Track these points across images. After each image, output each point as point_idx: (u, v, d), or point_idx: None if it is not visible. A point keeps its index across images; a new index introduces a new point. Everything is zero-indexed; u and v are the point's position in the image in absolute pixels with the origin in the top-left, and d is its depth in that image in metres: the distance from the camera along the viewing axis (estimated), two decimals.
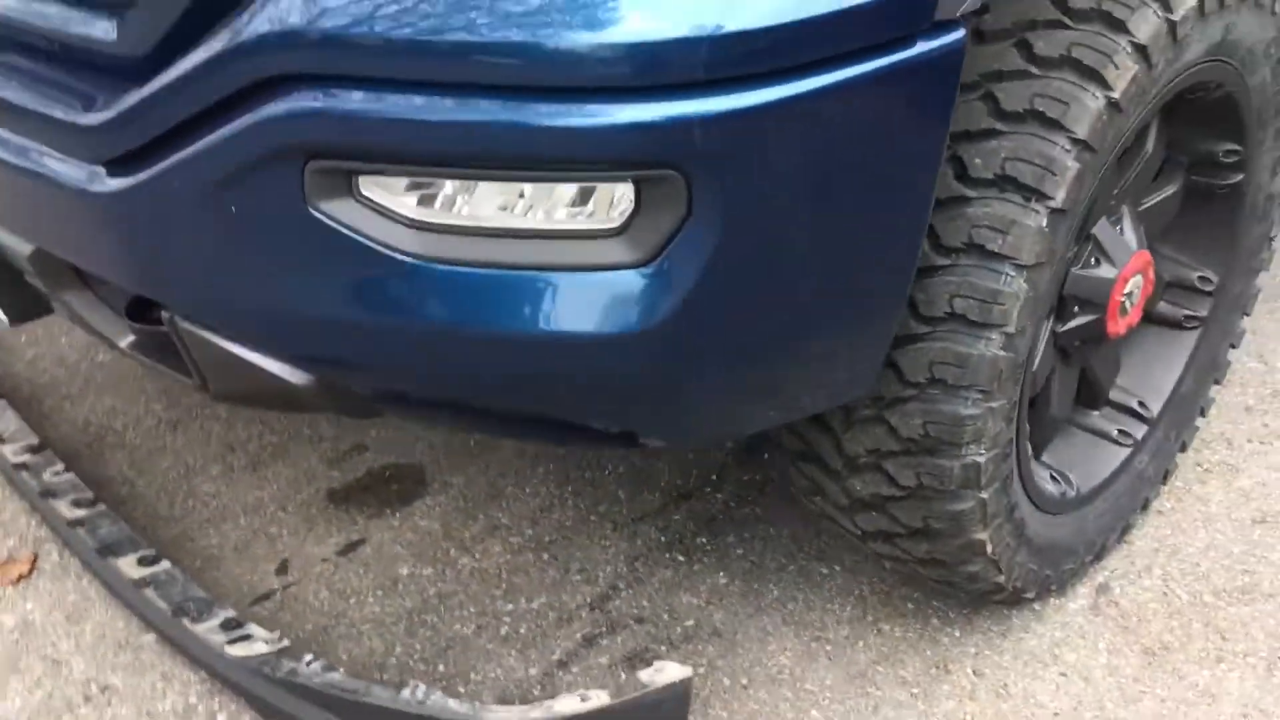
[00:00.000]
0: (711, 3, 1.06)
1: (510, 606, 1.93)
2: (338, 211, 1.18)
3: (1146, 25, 1.39)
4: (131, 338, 1.49)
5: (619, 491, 2.14)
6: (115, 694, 1.80)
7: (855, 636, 1.85)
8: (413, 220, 1.18)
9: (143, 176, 1.25)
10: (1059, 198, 1.34)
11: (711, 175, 1.10)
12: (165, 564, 1.86)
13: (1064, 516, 1.77)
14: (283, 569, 2.02)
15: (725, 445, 2.20)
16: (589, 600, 1.93)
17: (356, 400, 1.37)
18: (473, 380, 1.28)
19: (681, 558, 2.01)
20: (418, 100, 1.10)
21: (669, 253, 1.13)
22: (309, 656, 1.65)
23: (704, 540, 2.03)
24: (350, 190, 1.18)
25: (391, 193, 1.18)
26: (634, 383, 1.24)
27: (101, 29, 1.28)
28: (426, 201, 1.18)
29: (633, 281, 1.15)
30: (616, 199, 1.13)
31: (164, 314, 1.36)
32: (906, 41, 1.15)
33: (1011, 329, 1.38)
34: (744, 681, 1.79)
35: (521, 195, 1.15)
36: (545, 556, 2.02)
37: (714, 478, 2.16)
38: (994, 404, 1.44)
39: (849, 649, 1.83)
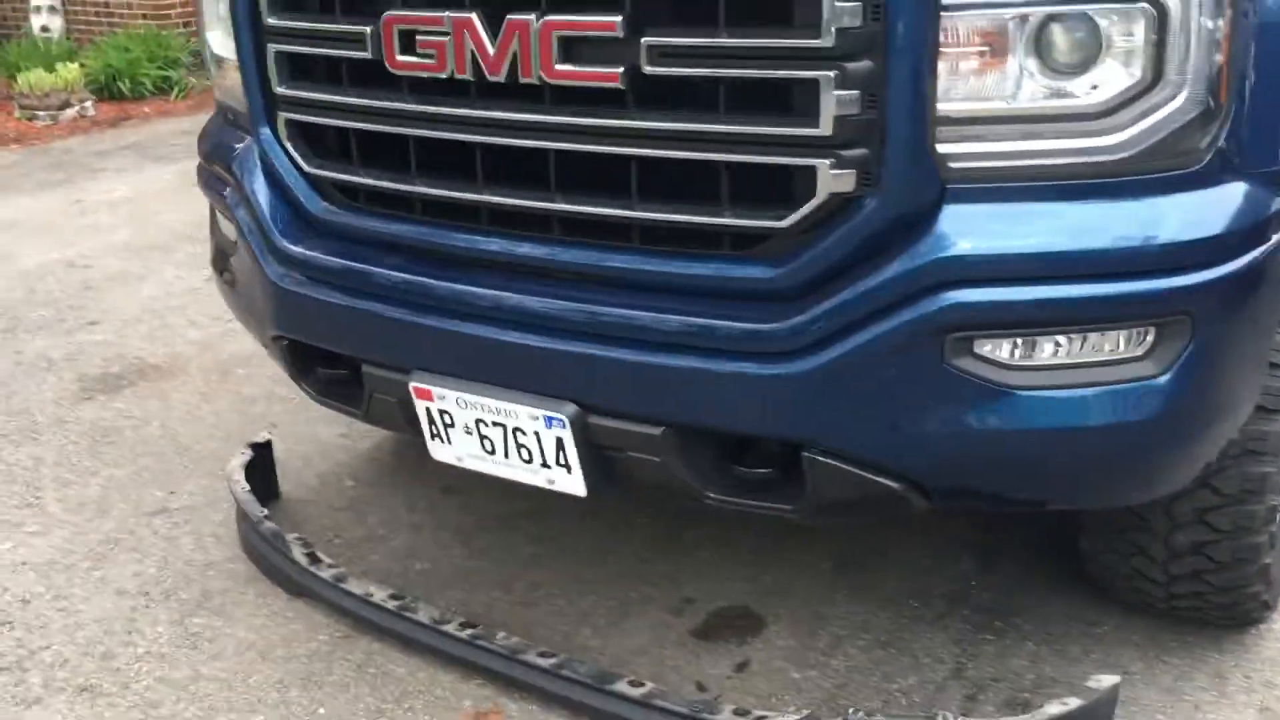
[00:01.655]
0: (1199, 220, 1.86)
1: (894, 685, 2.53)
2: (961, 364, 1.89)
3: None
4: (725, 488, 2.09)
5: (911, 601, 2.80)
6: None
7: (1148, 666, 2.55)
8: (1012, 365, 1.89)
9: (821, 360, 1.91)
10: None
11: (1204, 315, 1.88)
12: (650, 684, 2.38)
13: None
14: (700, 688, 2.55)
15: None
16: (948, 674, 2.56)
17: (948, 500, 2.02)
18: (1033, 469, 1.98)
19: (991, 636, 2.67)
20: (1043, 290, 1.84)
21: (1177, 366, 1.89)
22: None
23: (999, 622, 2.71)
24: (970, 350, 1.89)
25: (996, 347, 1.89)
26: (1145, 457, 1.96)
27: (757, 271, 1.96)
28: (1022, 350, 1.90)
29: (1155, 386, 1.89)
30: (1146, 336, 1.88)
31: (805, 454, 1.99)
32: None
33: None
34: None
35: (1084, 339, 1.89)
36: (892, 650, 2.64)
37: (973, 582, 2.85)
38: None
39: (1153, 672, 2.52)
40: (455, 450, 2.32)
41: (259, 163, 2.52)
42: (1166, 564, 2.38)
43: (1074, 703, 2.14)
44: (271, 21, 2.37)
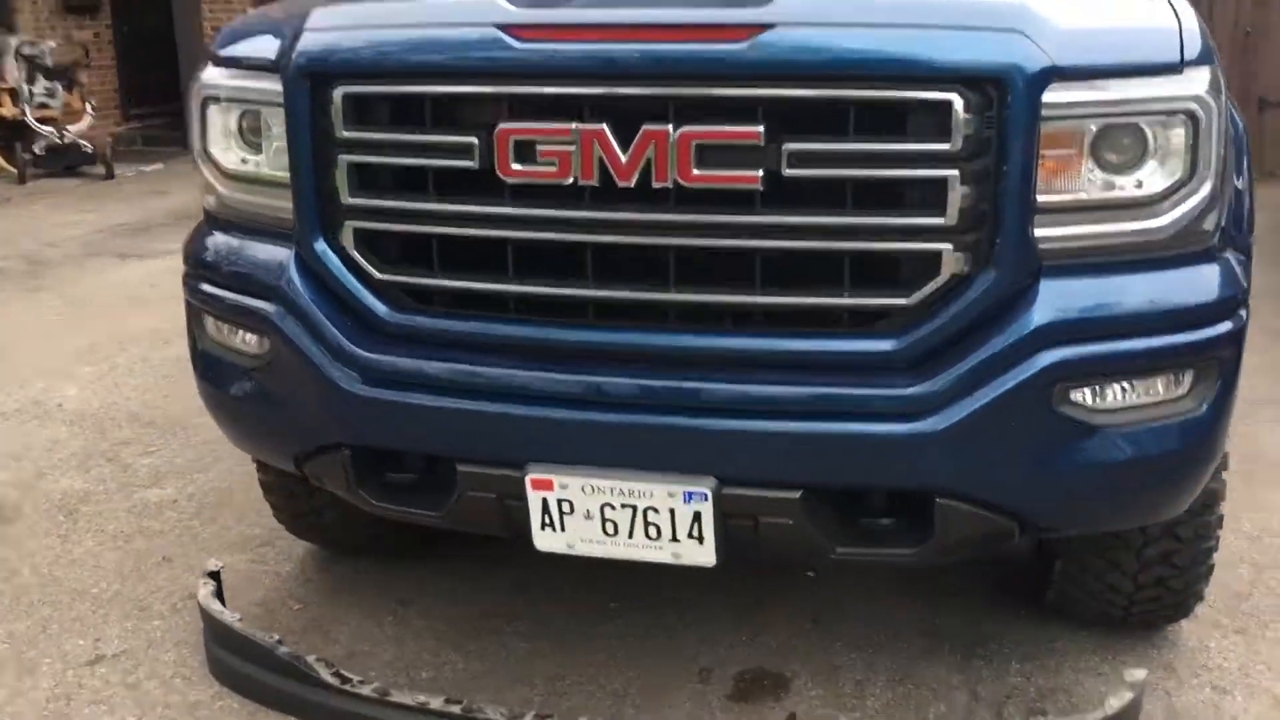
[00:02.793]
0: (1220, 284, 2.35)
1: (930, 713, 2.83)
2: (1062, 410, 2.26)
3: None
4: (852, 541, 2.33)
5: (897, 642, 3.12)
6: None
7: (1112, 669, 3.00)
8: (1097, 409, 2.28)
9: (952, 418, 2.21)
10: None
11: (1224, 358, 2.36)
12: None
13: None
14: None
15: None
16: (969, 697, 2.89)
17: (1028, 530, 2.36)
18: (1111, 495, 2.36)
19: (979, 662, 3.04)
20: (1116, 344, 2.25)
21: (1210, 401, 2.35)
22: None
23: (980, 649, 3.08)
24: (1068, 398, 2.26)
25: (1084, 394, 2.28)
26: (1186, 477, 2.40)
27: (881, 344, 2.25)
28: (1102, 396, 2.29)
29: (1196, 418, 2.35)
30: (1186, 378, 2.34)
31: (938, 501, 2.27)
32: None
33: None
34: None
35: (1147, 383, 2.32)
36: (910, 686, 2.94)
37: (937, 621, 3.22)
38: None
39: (1117, 672, 2.98)
40: (567, 538, 2.40)
41: (307, 274, 2.51)
42: (1137, 575, 2.85)
43: (1127, 695, 2.53)
44: (346, 135, 2.40)
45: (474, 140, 2.31)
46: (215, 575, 3.10)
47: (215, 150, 2.65)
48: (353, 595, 3.37)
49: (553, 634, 3.16)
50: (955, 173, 2.16)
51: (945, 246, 2.20)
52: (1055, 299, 2.24)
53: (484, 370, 2.39)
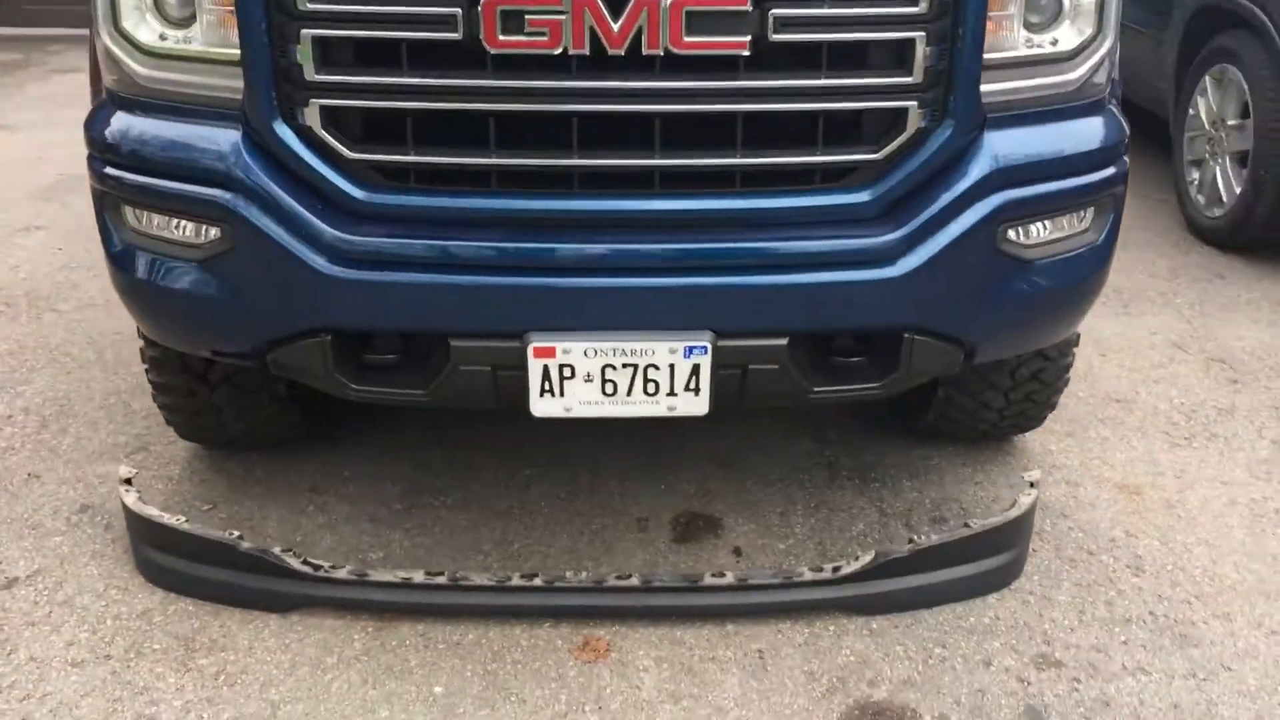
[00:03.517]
0: (1115, 129, 2.69)
1: (854, 531, 3.14)
2: (1004, 246, 2.55)
3: None
4: (828, 380, 2.55)
5: (800, 476, 3.42)
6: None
7: (987, 476, 3.43)
8: (1027, 244, 2.59)
9: (919, 260, 2.45)
10: None
11: (1117, 195, 2.71)
12: (729, 572, 2.76)
13: None
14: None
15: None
16: (877, 515, 3.23)
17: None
18: (1035, 321, 2.69)
19: (877, 483, 3.38)
20: (1044, 186, 2.55)
21: (1106, 232, 2.71)
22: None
23: (873, 473, 3.43)
24: (1006, 236, 2.55)
25: (1019, 232, 2.57)
26: (1088, 300, 2.76)
27: (852, 197, 2.45)
28: (1030, 232, 2.59)
29: (1098, 248, 2.70)
30: (1089, 213, 2.68)
31: (906, 336, 2.51)
32: None
33: None
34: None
35: (1063, 219, 2.64)
36: (825, 511, 3.24)
37: (826, 453, 3.54)
38: None
39: (992, 481, 3.41)
40: (565, 402, 2.49)
41: (262, 156, 2.42)
42: (1009, 392, 3.25)
43: (1033, 492, 2.92)
44: (311, 7, 2.30)
45: (457, 11, 2.28)
46: (129, 481, 2.97)
47: (128, 25, 2.46)
48: (261, 489, 3.29)
49: (482, 504, 3.24)
50: (922, 34, 2.36)
51: (911, 104, 2.41)
52: (998, 148, 2.51)
53: (481, 244, 2.41)
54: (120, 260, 2.64)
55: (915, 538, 2.80)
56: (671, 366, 2.46)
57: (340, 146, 2.39)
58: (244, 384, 3.13)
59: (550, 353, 2.43)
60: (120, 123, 2.56)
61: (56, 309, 4.52)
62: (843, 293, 2.46)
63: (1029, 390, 3.26)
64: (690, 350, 2.44)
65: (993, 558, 2.87)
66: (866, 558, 2.77)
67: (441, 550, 3.04)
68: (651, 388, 2.48)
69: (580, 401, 2.50)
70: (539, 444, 3.48)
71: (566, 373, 2.45)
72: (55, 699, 2.50)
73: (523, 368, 2.45)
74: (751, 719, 2.49)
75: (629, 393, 2.49)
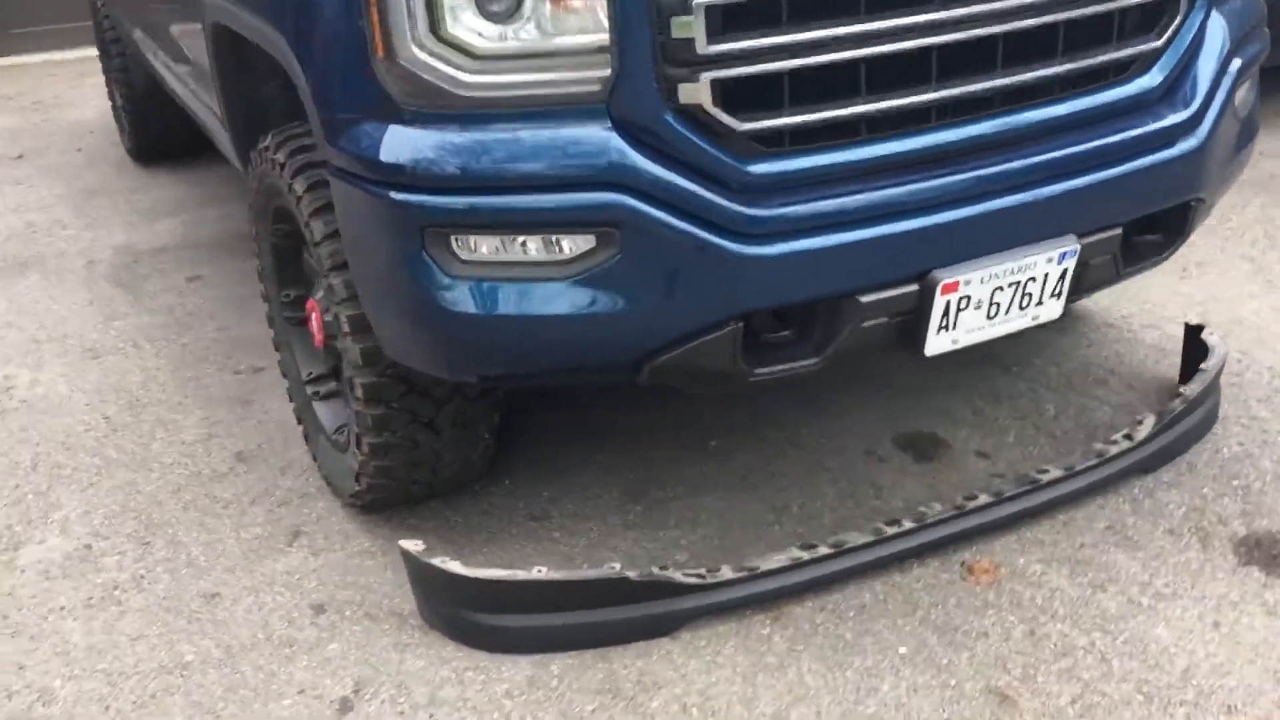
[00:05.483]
0: None
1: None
2: (1236, 104, 2.83)
3: None
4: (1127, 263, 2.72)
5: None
6: None
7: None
8: (1240, 103, 2.88)
9: (1208, 128, 2.67)
10: None
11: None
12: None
13: None
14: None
15: None
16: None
17: None
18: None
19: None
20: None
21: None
22: None
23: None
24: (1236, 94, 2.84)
25: (1242, 90, 2.86)
26: None
27: (1148, 83, 2.63)
28: (1244, 90, 2.89)
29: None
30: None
31: (1193, 202, 2.73)
32: None
33: None
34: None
35: None
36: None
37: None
38: None
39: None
40: (954, 335, 2.50)
41: (647, 147, 2.23)
42: None
43: (1221, 342, 3.27)
44: None
45: None
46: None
47: (458, 30, 2.16)
48: (483, 536, 3.00)
49: (710, 482, 3.12)
50: None
51: None
52: (1226, 20, 2.77)
53: (881, 192, 2.35)
54: (448, 299, 2.31)
55: (1182, 391, 3.06)
56: (1045, 275, 2.54)
57: (731, 121, 2.24)
58: (468, 422, 2.85)
59: (954, 287, 2.44)
60: (448, 144, 2.23)
61: None
62: (1167, 170, 2.64)
63: None
64: (1063, 256, 2.53)
65: (1215, 396, 3.20)
66: (1150, 420, 3.00)
67: (732, 535, 2.92)
68: (1025, 300, 2.55)
69: (966, 330, 2.52)
70: (699, 420, 3.37)
71: (963, 304, 2.47)
72: None
73: (920, 310, 2.44)
74: (1169, 573, 2.68)
75: (1007, 311, 2.54)
